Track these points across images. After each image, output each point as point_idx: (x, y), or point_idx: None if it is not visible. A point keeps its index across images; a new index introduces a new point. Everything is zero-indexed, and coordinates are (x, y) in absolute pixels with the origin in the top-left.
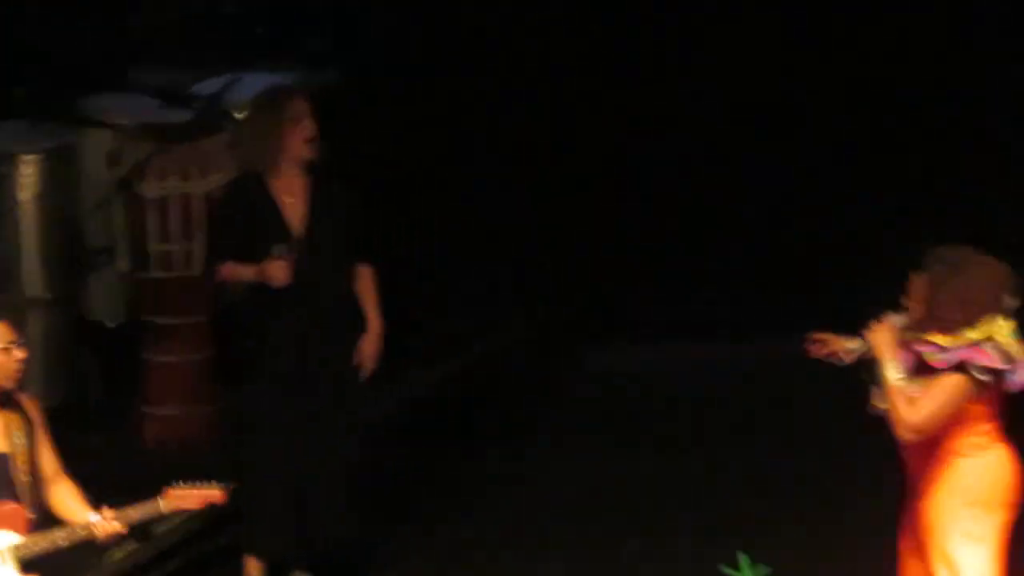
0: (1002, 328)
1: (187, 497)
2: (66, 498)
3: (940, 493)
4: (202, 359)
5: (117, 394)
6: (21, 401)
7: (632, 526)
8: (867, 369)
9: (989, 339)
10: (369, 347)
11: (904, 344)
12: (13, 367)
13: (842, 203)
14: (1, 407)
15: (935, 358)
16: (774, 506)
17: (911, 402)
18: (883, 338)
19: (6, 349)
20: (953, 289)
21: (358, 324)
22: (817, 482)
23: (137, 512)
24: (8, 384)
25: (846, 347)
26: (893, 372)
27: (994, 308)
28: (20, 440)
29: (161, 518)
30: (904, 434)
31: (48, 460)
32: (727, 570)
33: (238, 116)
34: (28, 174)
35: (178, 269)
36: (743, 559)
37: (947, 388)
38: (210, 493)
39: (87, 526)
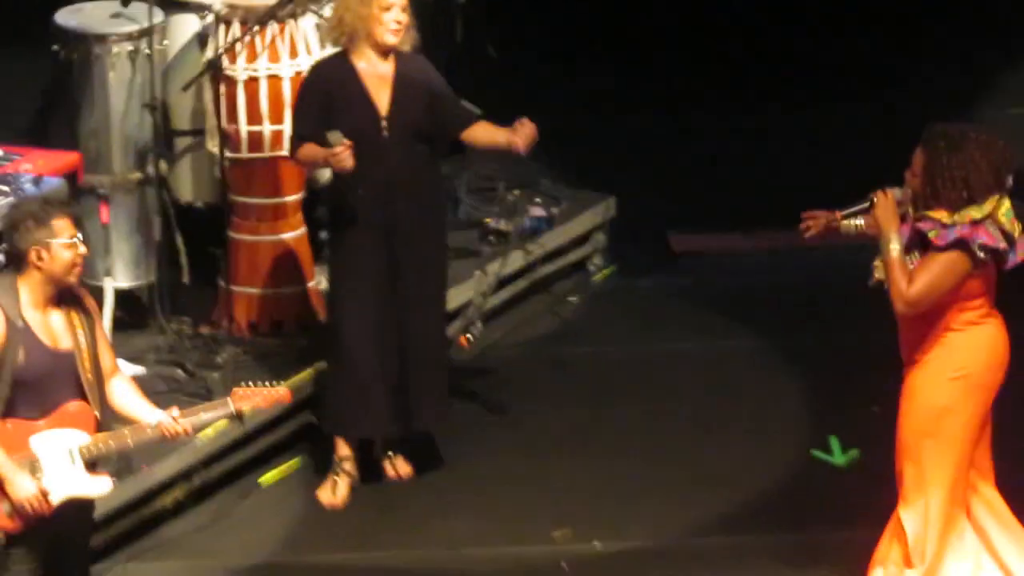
0: (1003, 206)
1: (254, 396)
2: (128, 395)
3: (929, 366)
4: (292, 239)
5: (207, 275)
6: (81, 296)
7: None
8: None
9: (989, 217)
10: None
11: (906, 219)
12: (76, 262)
13: None
14: (63, 303)
15: (935, 234)
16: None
17: (909, 276)
18: (885, 211)
19: (71, 245)
20: (953, 167)
21: (446, 210)
22: None
23: (206, 413)
24: (71, 279)
25: (840, 220)
26: (893, 245)
27: (995, 187)
28: (84, 337)
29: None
30: (900, 307)
31: (107, 356)
32: (817, 453)
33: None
34: (118, 54)
35: (268, 150)
36: (834, 441)
37: (945, 264)
38: (278, 393)
39: (156, 427)
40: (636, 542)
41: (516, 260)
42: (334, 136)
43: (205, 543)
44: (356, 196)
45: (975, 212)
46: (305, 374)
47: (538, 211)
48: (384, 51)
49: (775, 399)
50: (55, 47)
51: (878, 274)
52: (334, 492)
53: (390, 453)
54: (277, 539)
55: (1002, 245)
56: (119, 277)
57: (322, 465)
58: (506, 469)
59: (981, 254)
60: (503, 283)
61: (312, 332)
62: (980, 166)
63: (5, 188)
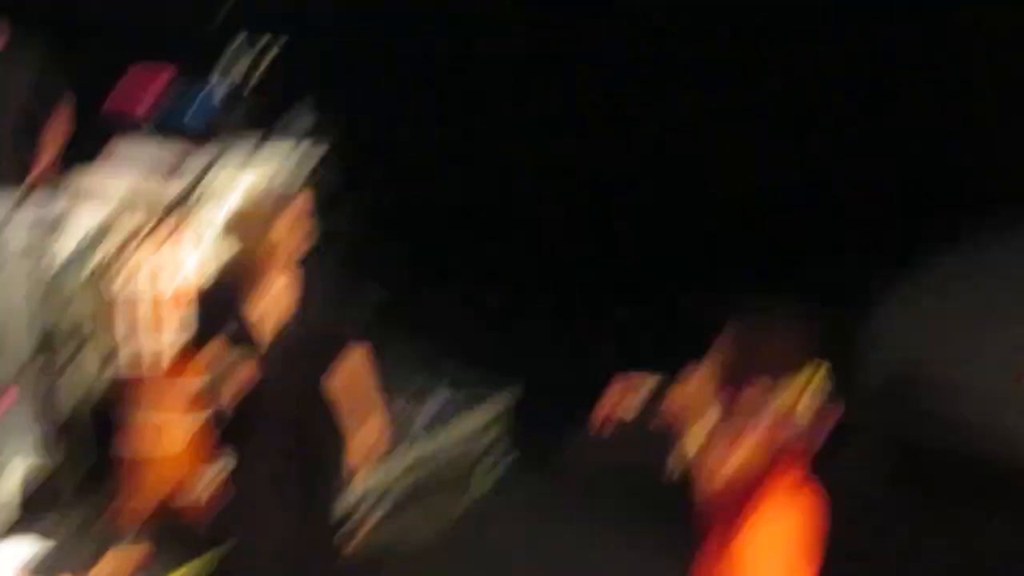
0: (813, 378)
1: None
2: None
3: (758, 539)
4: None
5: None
6: None
7: None
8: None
9: (798, 401)
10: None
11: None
12: None
13: None
14: None
15: (749, 423)
16: None
17: (725, 450)
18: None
19: None
20: (762, 351)
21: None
22: None
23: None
24: None
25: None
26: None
27: (800, 363)
28: None
29: None
30: (712, 485)
31: None
32: None
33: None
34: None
35: (148, 368)
36: None
37: (757, 447)
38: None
39: None
40: None
41: None
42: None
43: None
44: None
45: (783, 398)
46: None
47: None
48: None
49: None
50: None
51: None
52: None
53: None
54: None
55: (810, 429)
56: None
57: None
58: None
59: (791, 444)
60: None
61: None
62: (788, 347)
63: None
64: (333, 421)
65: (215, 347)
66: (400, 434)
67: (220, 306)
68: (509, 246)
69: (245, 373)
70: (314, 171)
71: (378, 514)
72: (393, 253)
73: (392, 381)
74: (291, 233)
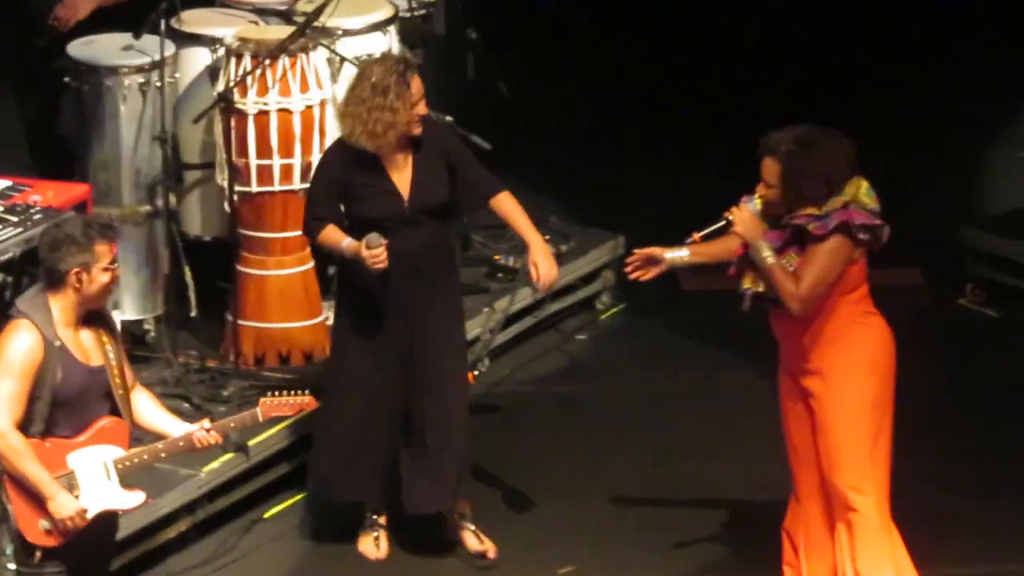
0: (861, 187)
1: (281, 405)
2: (152, 409)
3: (841, 366)
4: (300, 274)
5: (215, 309)
6: (105, 314)
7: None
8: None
9: (854, 200)
10: (536, 260)
11: (773, 226)
12: (111, 287)
13: None
14: (90, 321)
15: (814, 226)
16: None
17: (793, 276)
18: (746, 223)
19: (109, 269)
20: (813, 166)
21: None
22: None
23: (235, 422)
24: (103, 301)
25: (669, 255)
26: (768, 252)
27: (850, 175)
28: (112, 352)
29: (257, 426)
30: (796, 307)
31: (128, 371)
32: None
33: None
34: (129, 87)
35: (277, 184)
36: None
37: (830, 252)
38: (303, 400)
39: (187, 438)
40: None
41: (524, 297)
42: (373, 238)
43: None
44: (371, 275)
45: (841, 198)
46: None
47: None
48: (407, 139)
49: (779, 434)
50: (67, 79)
51: (753, 289)
52: (377, 546)
53: (473, 527)
54: (281, 573)
55: (877, 221)
56: (127, 310)
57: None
58: (512, 506)
59: (861, 235)
60: (511, 320)
61: (319, 367)
62: (836, 158)
63: (14, 218)
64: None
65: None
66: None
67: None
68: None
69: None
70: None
71: (485, 359)
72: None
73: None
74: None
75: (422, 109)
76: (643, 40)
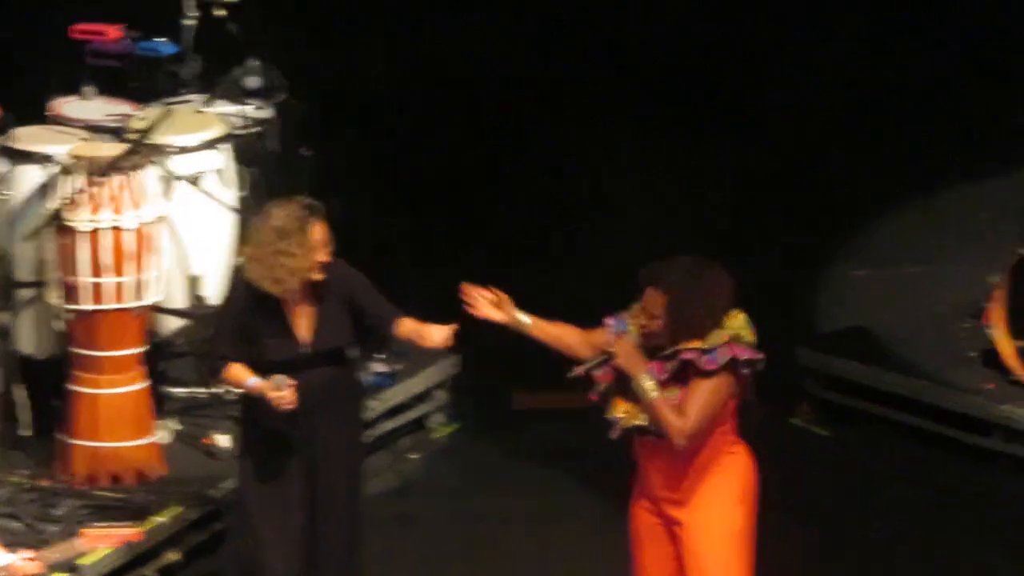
0: (739, 320)
1: (105, 537)
2: None
3: (712, 496)
4: (133, 393)
5: (47, 427)
6: None
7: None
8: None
9: (736, 335)
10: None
11: (655, 357)
12: None
13: None
14: None
15: (704, 360)
16: None
17: (677, 410)
18: (629, 355)
19: None
20: (700, 298)
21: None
22: None
23: (55, 553)
24: None
25: (518, 313)
26: (652, 385)
27: (730, 307)
28: None
29: (80, 556)
30: (681, 442)
31: None
32: None
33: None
34: None
35: (111, 302)
36: None
37: (715, 388)
38: (128, 533)
39: (4, 568)
40: None
41: None
42: (280, 378)
43: None
44: (271, 417)
45: (724, 332)
46: (144, 528)
47: (380, 367)
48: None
49: (613, 558)
50: None
51: (629, 421)
52: None
53: None
54: None
55: (759, 355)
56: None
57: None
58: None
59: (744, 370)
60: None
61: (151, 487)
62: (721, 291)
63: None
64: None
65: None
66: None
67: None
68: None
69: None
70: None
71: None
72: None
73: None
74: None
75: (323, 256)
76: (481, 153)
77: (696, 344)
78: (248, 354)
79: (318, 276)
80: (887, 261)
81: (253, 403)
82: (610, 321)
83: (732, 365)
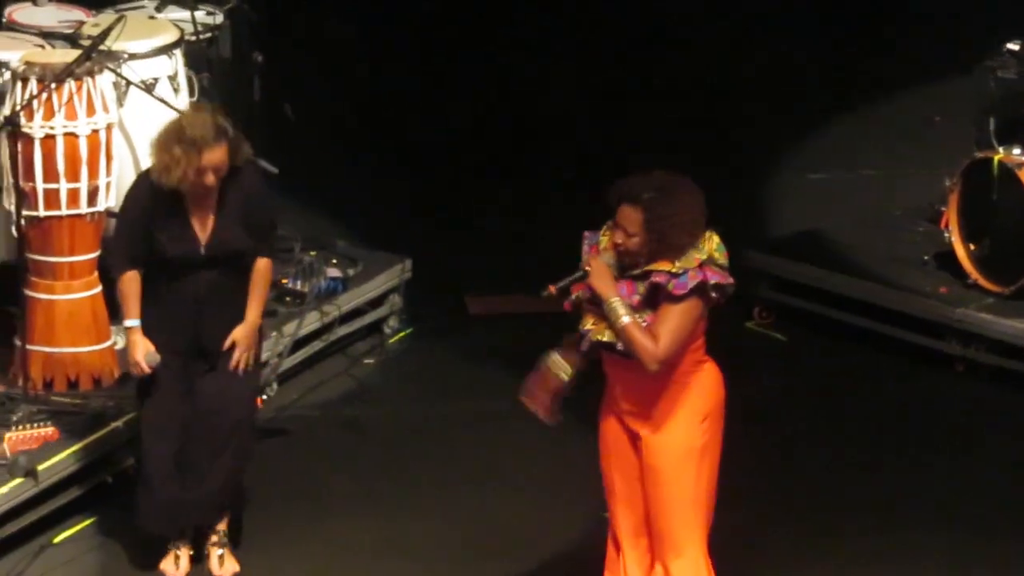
0: (713, 242)
1: (26, 439)
2: None
3: (675, 413)
4: (88, 298)
5: (3, 333)
6: None
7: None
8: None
9: (709, 257)
10: (239, 335)
11: (624, 275)
12: None
13: None
14: None
15: (672, 285)
16: None
17: (649, 332)
18: (602, 277)
19: None
20: (677, 213)
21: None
22: None
23: None
24: None
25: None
26: (624, 310)
27: (705, 226)
28: None
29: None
30: (653, 366)
31: None
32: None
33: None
34: None
35: (64, 208)
36: None
37: (685, 312)
38: (46, 432)
39: None
40: None
41: (312, 321)
42: (152, 356)
43: None
44: (163, 309)
45: (697, 255)
46: (101, 433)
47: (334, 272)
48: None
49: (567, 460)
50: None
51: (597, 335)
52: (176, 565)
53: (219, 551)
54: None
55: (729, 279)
56: None
57: (116, 524)
58: (298, 531)
59: (713, 293)
60: (299, 344)
61: (107, 392)
62: (696, 206)
63: None
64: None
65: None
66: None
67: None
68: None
69: None
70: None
71: (273, 383)
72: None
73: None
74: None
75: (208, 179)
76: (429, 61)
77: (666, 266)
78: (147, 249)
79: (202, 188)
80: (842, 164)
81: (147, 296)
82: (587, 234)
83: (701, 288)
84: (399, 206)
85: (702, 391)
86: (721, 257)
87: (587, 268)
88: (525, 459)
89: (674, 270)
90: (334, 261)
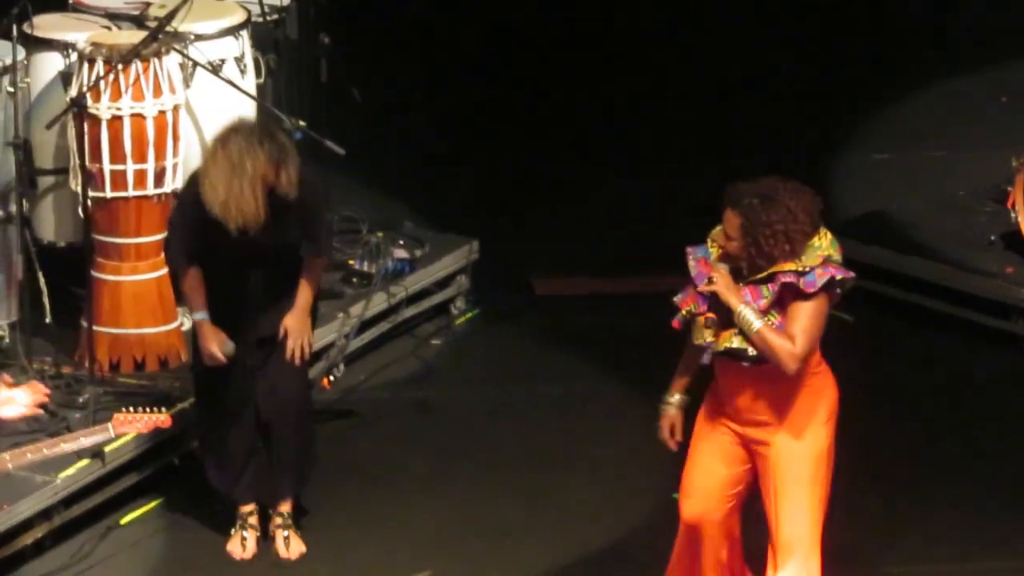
0: (827, 239)
1: (135, 422)
2: None
3: (802, 415)
4: (154, 279)
5: (70, 315)
6: None
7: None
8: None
9: (828, 255)
10: (290, 322)
11: (747, 281)
12: None
13: None
14: None
15: (803, 283)
16: None
17: (784, 335)
18: (729, 285)
19: None
20: (773, 221)
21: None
22: None
23: (88, 437)
24: None
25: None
26: (754, 315)
27: (812, 231)
28: None
29: (109, 442)
30: (794, 366)
31: None
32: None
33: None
34: None
35: (131, 189)
36: None
37: (817, 308)
38: (158, 418)
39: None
40: None
41: (379, 302)
42: (228, 347)
43: None
44: (217, 307)
45: (819, 252)
46: (172, 410)
47: (401, 253)
48: None
49: (637, 442)
50: None
51: (721, 345)
52: (243, 546)
53: (285, 532)
54: None
55: (850, 274)
56: None
57: (183, 506)
58: (366, 512)
59: (839, 289)
60: (365, 325)
61: (174, 373)
62: (797, 215)
63: None
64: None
65: None
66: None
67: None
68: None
69: None
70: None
71: (340, 365)
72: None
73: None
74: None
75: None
76: (495, 44)
77: (791, 266)
78: (202, 246)
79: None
80: (907, 145)
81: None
82: (690, 249)
83: (829, 285)
84: (466, 188)
85: (824, 393)
86: (836, 253)
87: (712, 277)
88: (593, 441)
89: (800, 269)
90: (401, 242)
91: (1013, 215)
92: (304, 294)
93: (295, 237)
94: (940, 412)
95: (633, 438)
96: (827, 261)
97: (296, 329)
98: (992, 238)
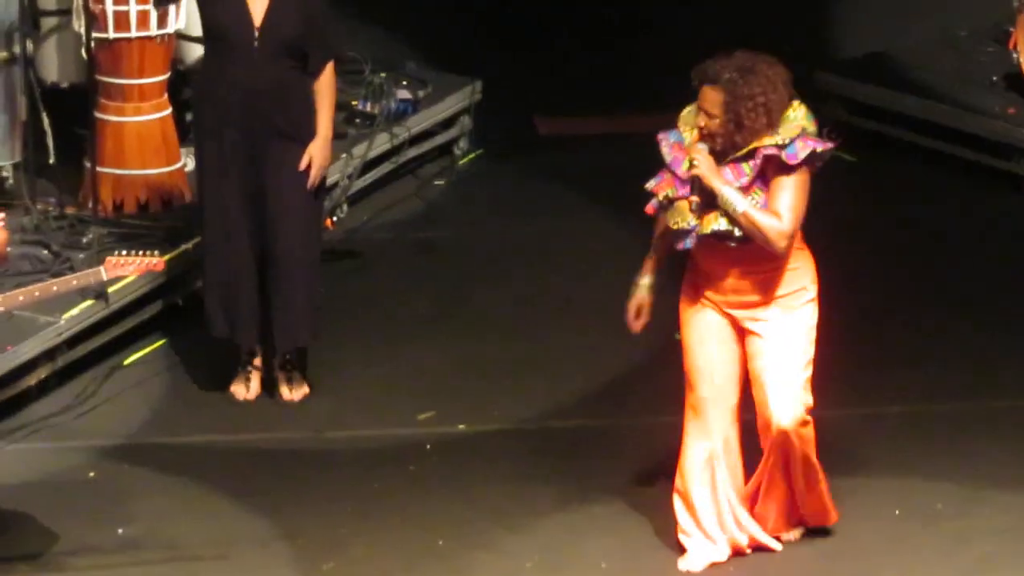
0: (801, 112)
1: (127, 265)
2: None
3: (791, 292)
4: (158, 120)
5: (73, 156)
6: None
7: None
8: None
9: (804, 127)
10: (315, 150)
11: (726, 160)
12: None
13: None
14: None
15: (786, 155)
16: None
17: (770, 212)
18: (712, 166)
19: None
20: (755, 94)
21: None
22: None
23: (77, 279)
24: None
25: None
26: (735, 198)
27: (788, 101)
28: None
29: (104, 284)
30: (783, 243)
31: None
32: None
33: None
34: None
35: (134, 30)
36: None
37: (802, 182)
38: (150, 261)
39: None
40: (499, 424)
41: (382, 143)
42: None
43: (70, 424)
44: (219, 98)
45: (794, 125)
46: (172, 254)
47: (404, 94)
48: None
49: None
50: None
51: (706, 227)
52: (247, 387)
53: (288, 374)
54: (142, 420)
55: (828, 145)
56: None
57: (186, 346)
58: (369, 352)
59: (818, 162)
60: (369, 166)
61: (178, 213)
62: (775, 85)
63: None
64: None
65: None
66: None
67: None
68: None
69: None
70: None
71: (344, 205)
72: None
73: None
74: None
75: None
76: None
77: (770, 139)
78: (201, 20)
79: None
80: None
81: (199, 104)
82: (662, 134)
83: (811, 158)
84: (469, 27)
85: (810, 267)
86: (811, 125)
87: (693, 160)
88: (597, 280)
89: (780, 141)
90: (404, 83)
91: (1015, 56)
92: (324, 119)
93: (295, 28)
94: (940, 251)
95: (633, 276)
96: (804, 133)
97: (320, 157)
98: (994, 79)
